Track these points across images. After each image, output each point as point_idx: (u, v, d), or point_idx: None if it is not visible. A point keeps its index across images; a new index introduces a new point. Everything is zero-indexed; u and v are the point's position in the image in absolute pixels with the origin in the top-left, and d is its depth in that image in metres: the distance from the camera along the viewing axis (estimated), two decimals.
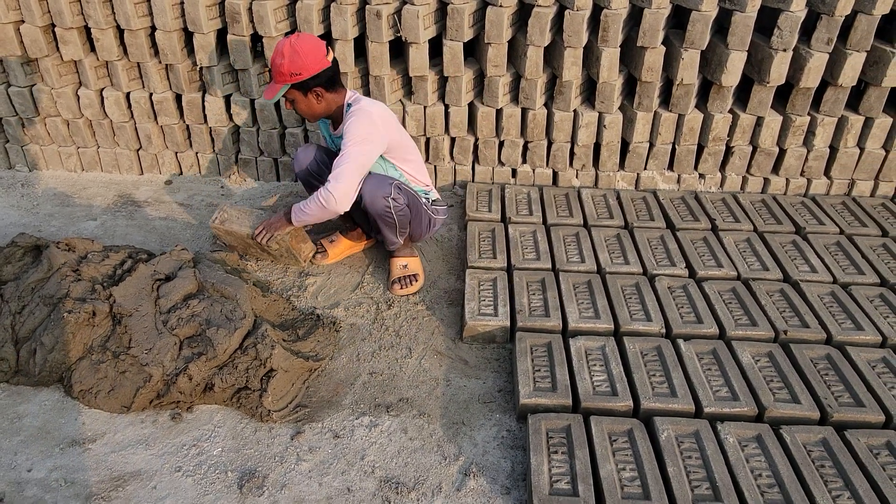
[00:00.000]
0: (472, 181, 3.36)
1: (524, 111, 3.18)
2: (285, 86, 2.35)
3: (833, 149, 3.19)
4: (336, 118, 2.52)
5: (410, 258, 2.67)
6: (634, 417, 2.02)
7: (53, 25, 3.06)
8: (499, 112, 3.19)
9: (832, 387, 2.11)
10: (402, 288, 2.61)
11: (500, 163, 3.33)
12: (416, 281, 2.64)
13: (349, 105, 2.44)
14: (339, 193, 2.28)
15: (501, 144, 3.28)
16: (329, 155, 2.65)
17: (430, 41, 3.01)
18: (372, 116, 2.35)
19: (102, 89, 3.24)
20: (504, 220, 2.99)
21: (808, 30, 2.92)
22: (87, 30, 3.11)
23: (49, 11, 3.02)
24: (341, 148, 2.34)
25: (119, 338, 2.14)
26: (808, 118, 3.10)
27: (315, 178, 2.65)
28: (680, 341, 2.26)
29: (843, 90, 3.01)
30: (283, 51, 2.29)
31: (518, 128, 3.22)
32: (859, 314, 2.40)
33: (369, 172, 2.46)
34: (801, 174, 3.25)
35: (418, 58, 3.01)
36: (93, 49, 3.17)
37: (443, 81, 3.16)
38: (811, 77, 2.93)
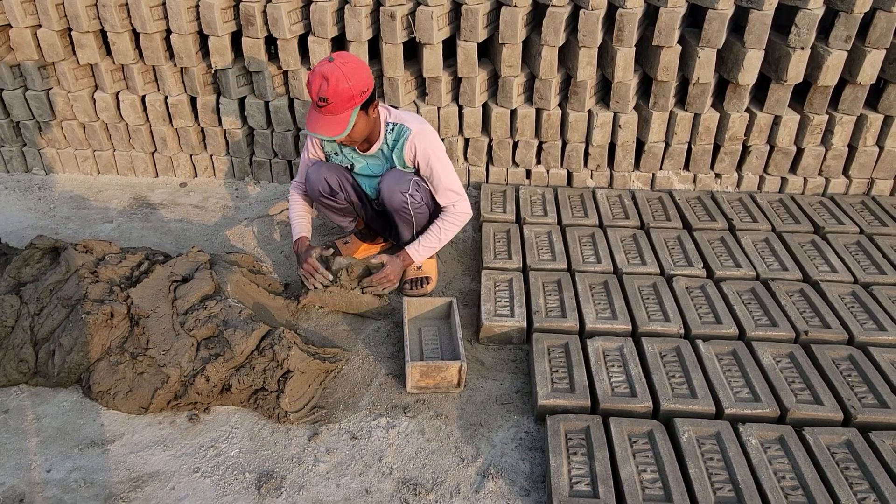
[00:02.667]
0: (486, 182, 3.35)
1: (538, 111, 3.17)
2: (356, 109, 2.18)
3: (852, 147, 3.15)
4: (371, 136, 2.41)
5: (426, 259, 2.67)
6: (654, 419, 1.99)
7: (70, 29, 3.08)
8: (513, 113, 3.18)
9: (855, 388, 2.07)
10: (412, 289, 2.59)
11: (515, 164, 3.32)
12: (428, 283, 2.62)
13: (389, 123, 2.39)
14: (466, 207, 2.50)
15: (516, 145, 3.27)
16: (340, 172, 2.53)
17: (443, 42, 3.00)
18: (434, 134, 2.43)
19: (118, 92, 3.26)
20: (519, 220, 2.98)
21: (825, 27, 2.89)
22: (103, 33, 3.13)
23: (66, 15, 3.04)
24: (433, 170, 2.40)
25: (137, 339, 2.15)
26: (827, 117, 3.06)
27: (329, 198, 2.53)
28: (699, 342, 2.23)
29: (861, 88, 2.97)
30: (341, 75, 2.09)
31: (532, 128, 3.21)
32: (881, 314, 2.37)
33: (391, 167, 2.46)
34: (820, 173, 3.22)
35: (432, 59, 3.00)
36: (108, 53, 3.19)
37: (456, 82, 3.16)
38: (829, 75, 2.89)
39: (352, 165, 2.54)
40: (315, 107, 2.19)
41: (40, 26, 3.08)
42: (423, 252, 2.51)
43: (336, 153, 2.55)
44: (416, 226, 2.53)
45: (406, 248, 2.49)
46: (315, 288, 2.46)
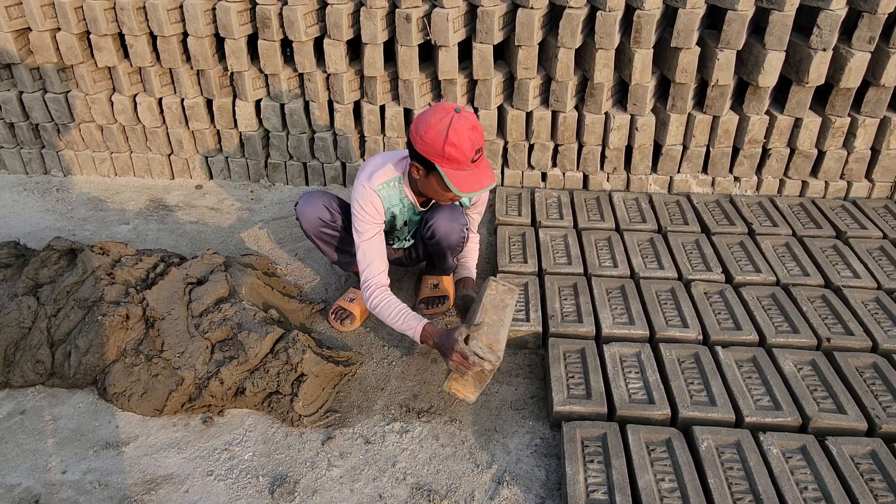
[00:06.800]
0: (502, 185, 3.33)
1: (554, 114, 3.14)
2: None
3: (875, 151, 3.09)
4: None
5: (443, 276, 2.58)
6: (672, 426, 1.96)
7: (88, 32, 3.11)
8: (529, 115, 3.16)
9: (879, 397, 2.03)
10: (427, 308, 2.51)
11: (530, 166, 3.29)
12: (443, 303, 2.52)
13: None
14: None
15: (531, 148, 3.24)
16: (336, 200, 2.37)
17: (459, 44, 2.99)
18: None
19: (135, 95, 3.28)
20: (534, 224, 2.95)
21: (848, 28, 2.83)
22: (121, 37, 3.15)
23: (84, 19, 3.06)
24: (482, 203, 2.49)
25: (152, 341, 2.15)
26: (849, 119, 3.01)
27: (330, 226, 2.34)
28: (718, 348, 2.19)
29: (885, 90, 2.92)
30: (477, 119, 1.97)
31: (548, 131, 3.18)
32: None
33: (437, 206, 2.31)
34: (841, 177, 3.16)
35: (448, 61, 2.99)
36: (126, 56, 3.21)
37: (472, 84, 3.14)
38: (852, 77, 2.84)
39: (405, 222, 2.37)
40: (469, 164, 1.95)
41: (59, 29, 3.11)
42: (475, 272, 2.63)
43: (401, 219, 2.32)
44: (461, 250, 2.45)
45: (468, 276, 2.60)
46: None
